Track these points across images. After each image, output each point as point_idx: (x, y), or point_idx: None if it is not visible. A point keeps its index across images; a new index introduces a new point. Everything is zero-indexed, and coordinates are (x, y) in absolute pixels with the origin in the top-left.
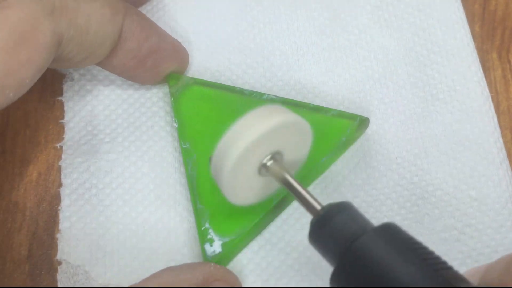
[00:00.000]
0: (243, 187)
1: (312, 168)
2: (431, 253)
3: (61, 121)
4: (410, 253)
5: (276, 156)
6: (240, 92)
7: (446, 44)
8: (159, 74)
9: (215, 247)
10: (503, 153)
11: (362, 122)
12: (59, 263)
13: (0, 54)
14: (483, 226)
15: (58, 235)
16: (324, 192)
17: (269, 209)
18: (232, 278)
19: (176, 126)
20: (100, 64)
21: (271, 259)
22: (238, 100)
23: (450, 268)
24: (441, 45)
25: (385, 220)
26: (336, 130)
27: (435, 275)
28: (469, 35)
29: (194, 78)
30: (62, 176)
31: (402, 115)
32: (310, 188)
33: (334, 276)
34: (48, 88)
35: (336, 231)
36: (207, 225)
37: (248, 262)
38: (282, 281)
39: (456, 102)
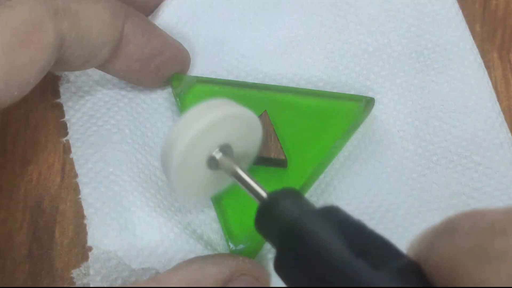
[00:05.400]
0: (193, 181)
1: (328, 153)
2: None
3: (62, 119)
4: (339, 236)
5: (225, 149)
6: (245, 85)
7: (436, 14)
8: (162, 76)
9: (240, 242)
10: (501, 117)
11: (368, 103)
12: (90, 249)
13: (5, 53)
14: (490, 189)
15: (85, 221)
16: (332, 168)
17: None
18: (261, 272)
19: None
20: (102, 67)
21: None
22: (244, 94)
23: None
24: (432, 15)
25: (394, 190)
26: (344, 113)
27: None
28: (457, 5)
29: (197, 77)
30: (76, 168)
31: (400, 88)
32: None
33: (276, 261)
34: (49, 87)
35: (279, 216)
36: (230, 221)
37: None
38: None
39: (451, 71)
